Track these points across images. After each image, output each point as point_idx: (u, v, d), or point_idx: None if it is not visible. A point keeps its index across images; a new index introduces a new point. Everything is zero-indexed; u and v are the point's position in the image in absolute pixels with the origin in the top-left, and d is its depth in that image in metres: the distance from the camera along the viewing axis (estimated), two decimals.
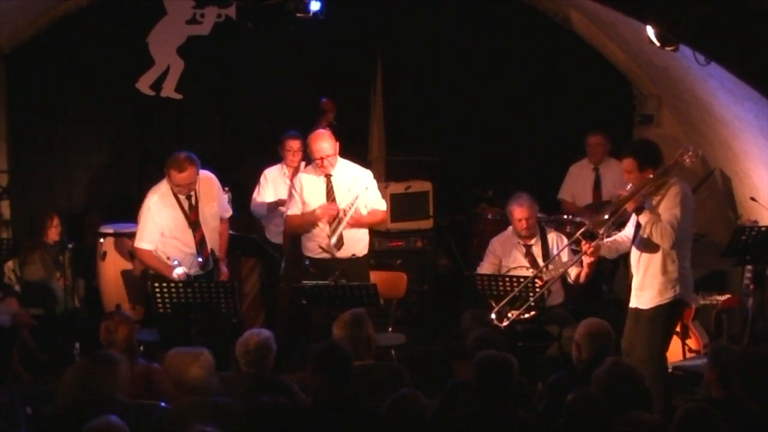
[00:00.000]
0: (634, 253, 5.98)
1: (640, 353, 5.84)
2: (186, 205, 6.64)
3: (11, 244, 8.02)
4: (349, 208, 6.74)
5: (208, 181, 6.76)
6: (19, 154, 9.04)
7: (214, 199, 6.77)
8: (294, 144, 7.68)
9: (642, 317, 5.92)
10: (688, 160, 5.84)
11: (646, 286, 5.90)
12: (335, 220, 6.73)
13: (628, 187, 5.90)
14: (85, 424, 3.95)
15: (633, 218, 5.98)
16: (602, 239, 6.06)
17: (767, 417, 4.23)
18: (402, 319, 8.01)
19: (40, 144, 9.14)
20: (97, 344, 5.13)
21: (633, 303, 6.01)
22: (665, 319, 5.91)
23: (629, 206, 5.82)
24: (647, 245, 5.86)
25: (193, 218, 6.66)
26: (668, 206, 5.77)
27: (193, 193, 6.63)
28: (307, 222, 6.80)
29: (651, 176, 5.78)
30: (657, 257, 5.84)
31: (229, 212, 7.07)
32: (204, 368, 4.53)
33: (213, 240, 6.78)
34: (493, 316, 6.43)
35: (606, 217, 5.89)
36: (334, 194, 6.79)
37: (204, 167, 6.77)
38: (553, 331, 6.89)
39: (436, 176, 8.96)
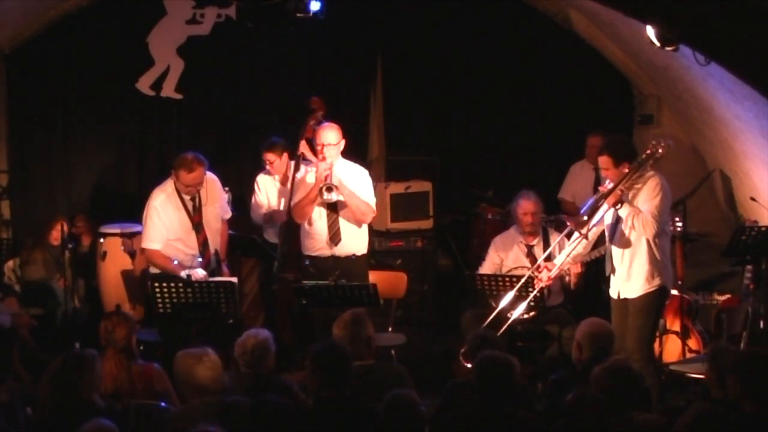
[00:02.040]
0: (616, 246, 6.13)
1: (628, 343, 5.95)
2: (190, 206, 6.66)
3: (11, 244, 8.02)
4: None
5: (211, 182, 6.81)
6: (19, 154, 9.04)
7: (216, 200, 6.82)
8: (268, 156, 7.57)
9: (631, 307, 6.07)
10: (660, 151, 5.98)
11: (633, 276, 6.07)
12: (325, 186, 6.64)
13: (607, 183, 6.08)
14: (63, 428, 3.97)
15: (609, 213, 6.12)
16: (587, 237, 6.26)
17: (764, 417, 4.22)
18: (402, 319, 8.00)
19: (40, 144, 9.14)
20: (97, 344, 5.13)
21: (619, 294, 6.15)
22: (655, 307, 6.11)
23: (609, 201, 5.99)
24: (630, 237, 6.02)
25: (197, 220, 6.68)
26: (648, 197, 5.96)
27: (198, 194, 6.66)
28: (312, 194, 6.70)
29: (627, 170, 5.96)
30: (642, 247, 6.02)
31: (228, 213, 7.11)
32: (210, 368, 4.53)
33: (215, 241, 6.82)
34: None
35: (585, 218, 6.07)
36: None
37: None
38: (553, 331, 6.91)
39: (436, 176, 8.96)
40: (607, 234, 6.25)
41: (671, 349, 7.05)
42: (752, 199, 7.69)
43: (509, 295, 6.53)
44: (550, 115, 9.46)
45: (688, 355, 7.10)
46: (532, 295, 6.50)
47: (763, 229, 6.93)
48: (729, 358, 4.53)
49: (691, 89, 8.05)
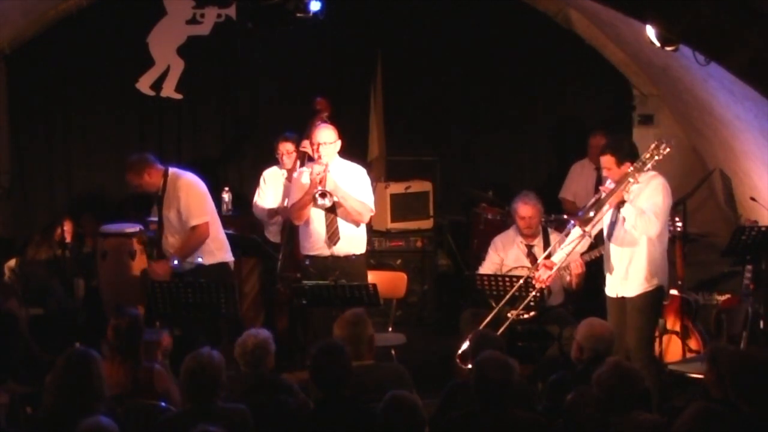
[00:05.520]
0: (615, 245, 6.16)
1: (629, 343, 5.97)
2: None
3: (11, 244, 8.02)
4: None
5: (174, 184, 6.77)
6: (19, 154, 9.05)
7: (173, 205, 6.76)
8: (286, 146, 7.64)
9: (629, 307, 6.09)
10: (663, 151, 5.99)
11: (631, 275, 6.09)
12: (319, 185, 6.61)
13: (608, 183, 6.11)
14: (67, 426, 3.98)
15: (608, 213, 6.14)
16: (590, 235, 6.30)
17: (761, 418, 4.22)
18: (402, 319, 8.01)
19: (40, 144, 9.15)
20: (97, 344, 5.12)
21: (617, 293, 6.17)
22: (653, 306, 6.14)
23: (612, 202, 6.02)
24: (630, 236, 6.05)
25: (159, 215, 6.80)
26: (649, 195, 5.99)
27: (158, 192, 6.77)
28: (306, 196, 6.66)
29: (629, 170, 5.98)
30: (642, 246, 6.05)
31: (192, 221, 6.77)
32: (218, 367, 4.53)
33: (178, 244, 6.82)
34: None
35: (591, 214, 6.08)
36: None
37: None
38: (553, 331, 6.90)
39: (436, 176, 8.96)
40: (605, 233, 6.27)
41: (671, 349, 7.05)
42: (752, 199, 7.68)
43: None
44: (550, 115, 9.46)
45: (688, 355, 7.10)
46: (531, 295, 6.49)
47: (763, 229, 6.94)
48: (728, 359, 4.53)
49: (691, 89, 8.04)
